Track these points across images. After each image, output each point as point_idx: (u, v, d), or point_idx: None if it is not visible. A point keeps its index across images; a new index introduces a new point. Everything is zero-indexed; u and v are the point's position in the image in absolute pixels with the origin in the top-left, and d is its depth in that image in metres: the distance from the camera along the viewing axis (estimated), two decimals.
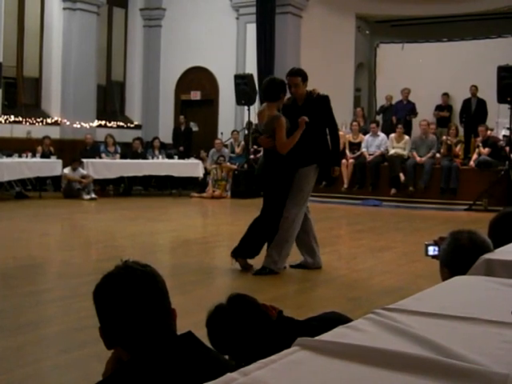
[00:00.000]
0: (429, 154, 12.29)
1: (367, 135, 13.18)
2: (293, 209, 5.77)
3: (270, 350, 1.37)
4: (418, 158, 12.28)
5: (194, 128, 15.69)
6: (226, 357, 1.92)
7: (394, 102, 14.65)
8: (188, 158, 14.11)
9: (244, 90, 13.51)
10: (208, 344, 1.69)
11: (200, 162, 13.94)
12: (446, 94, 14.55)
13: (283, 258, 5.76)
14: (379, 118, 14.86)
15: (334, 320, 1.39)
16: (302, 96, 5.83)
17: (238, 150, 14.47)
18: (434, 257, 2.79)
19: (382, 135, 13.07)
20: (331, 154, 6.09)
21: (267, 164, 5.81)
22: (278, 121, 5.61)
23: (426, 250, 2.83)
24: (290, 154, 5.73)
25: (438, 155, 12.38)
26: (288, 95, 5.95)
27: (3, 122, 13.43)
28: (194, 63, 15.95)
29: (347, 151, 13.07)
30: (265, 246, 5.87)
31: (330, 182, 11.98)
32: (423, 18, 15.71)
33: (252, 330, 2.06)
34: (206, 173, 13.82)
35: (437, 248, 2.75)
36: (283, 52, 14.73)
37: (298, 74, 5.82)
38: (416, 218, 10.56)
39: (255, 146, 13.29)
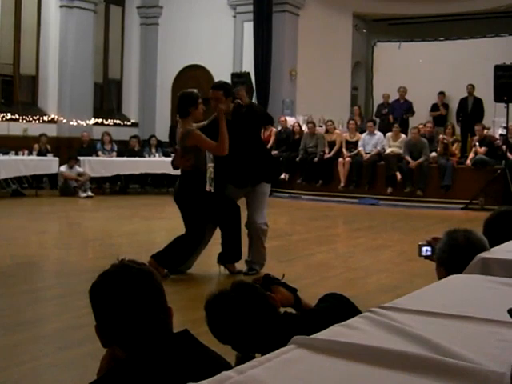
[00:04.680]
0: (421, 159, 12.24)
1: (364, 134, 13.17)
2: (261, 218, 5.72)
3: (273, 344, 1.35)
4: (411, 162, 12.24)
5: None
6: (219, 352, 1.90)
7: (390, 101, 14.66)
8: None
9: None
10: (204, 342, 1.68)
11: None
12: (442, 93, 14.55)
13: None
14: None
15: (340, 310, 1.37)
16: (229, 111, 5.58)
17: None
18: (427, 257, 2.77)
19: (378, 134, 13.07)
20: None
21: (184, 186, 5.53)
22: (190, 136, 5.36)
23: (420, 251, 2.81)
24: (222, 171, 5.59)
25: (434, 154, 12.38)
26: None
27: (0, 119, 13.40)
28: (191, 61, 15.91)
29: (344, 150, 13.07)
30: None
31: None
32: (420, 16, 15.73)
33: (257, 320, 2.00)
34: None
35: (430, 248, 2.74)
36: (280, 50, 14.73)
37: (221, 88, 5.58)
38: (413, 216, 10.57)
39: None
